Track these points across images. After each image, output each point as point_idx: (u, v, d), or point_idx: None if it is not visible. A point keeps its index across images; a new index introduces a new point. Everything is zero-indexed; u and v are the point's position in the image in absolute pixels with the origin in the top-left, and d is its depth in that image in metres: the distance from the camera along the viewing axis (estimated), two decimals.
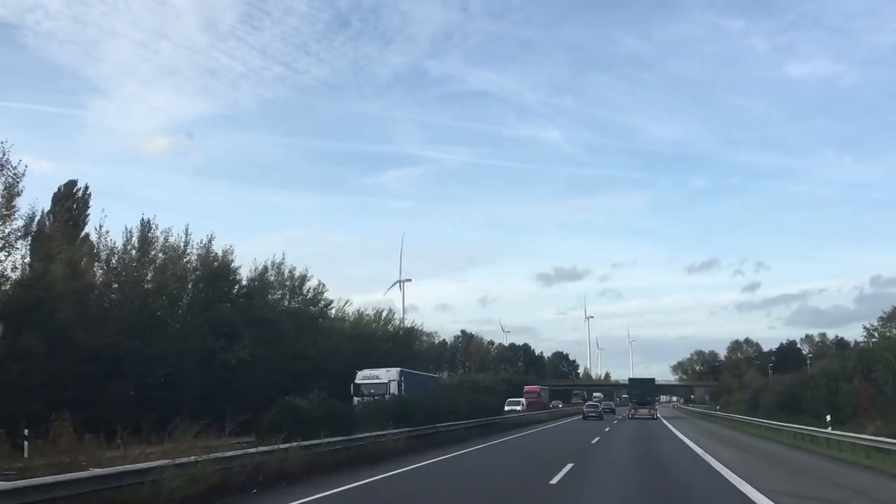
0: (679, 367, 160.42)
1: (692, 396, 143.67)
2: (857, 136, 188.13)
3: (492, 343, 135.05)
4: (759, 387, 59.98)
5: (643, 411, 60.93)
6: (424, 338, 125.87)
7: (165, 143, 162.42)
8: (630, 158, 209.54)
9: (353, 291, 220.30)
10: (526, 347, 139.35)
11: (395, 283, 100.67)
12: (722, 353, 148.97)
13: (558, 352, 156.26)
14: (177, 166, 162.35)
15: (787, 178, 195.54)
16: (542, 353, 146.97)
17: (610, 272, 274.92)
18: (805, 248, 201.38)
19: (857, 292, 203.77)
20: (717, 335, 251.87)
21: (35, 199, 28.98)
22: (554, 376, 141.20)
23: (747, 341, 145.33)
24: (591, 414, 61.03)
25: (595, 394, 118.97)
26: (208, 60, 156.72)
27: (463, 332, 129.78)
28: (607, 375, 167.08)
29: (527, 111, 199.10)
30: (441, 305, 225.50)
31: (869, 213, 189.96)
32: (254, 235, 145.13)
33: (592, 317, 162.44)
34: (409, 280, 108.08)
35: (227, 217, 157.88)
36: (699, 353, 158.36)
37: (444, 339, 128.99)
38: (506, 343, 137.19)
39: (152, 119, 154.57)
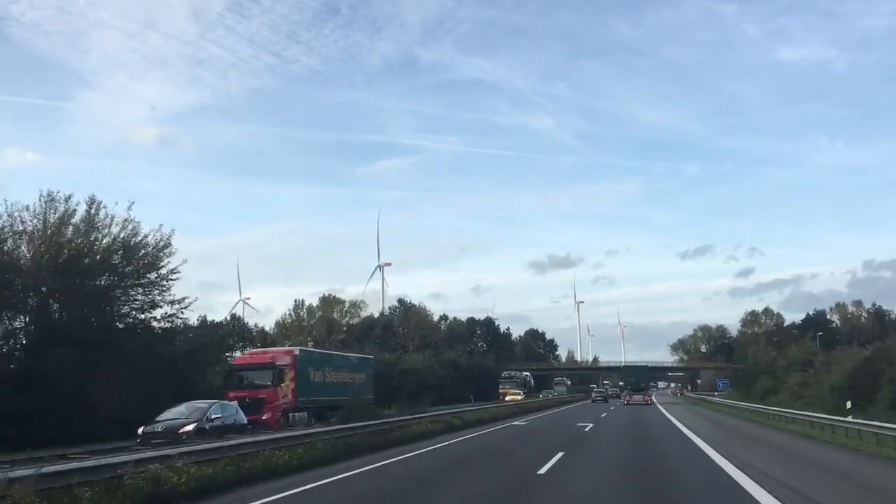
0: (680, 347, 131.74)
1: (698, 381, 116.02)
2: (850, 121, 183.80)
3: (444, 318, 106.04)
4: (862, 363, 30.73)
5: (637, 398, 62.48)
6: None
7: (154, 134, 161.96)
8: (623, 146, 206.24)
9: (346, 282, 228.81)
10: (488, 323, 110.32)
11: (376, 269, 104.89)
12: (733, 329, 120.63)
13: (532, 329, 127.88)
14: (166, 158, 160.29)
15: (780, 163, 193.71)
16: (507, 329, 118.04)
17: (603, 259, 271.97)
18: (798, 233, 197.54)
19: (849, 276, 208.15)
20: (711, 321, 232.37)
21: None
22: (526, 358, 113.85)
23: (766, 312, 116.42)
24: (598, 398, 72.76)
25: (557, 378, 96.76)
26: (197, 50, 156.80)
27: (401, 301, 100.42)
28: (595, 360, 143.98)
29: (519, 99, 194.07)
30: (434, 294, 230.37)
31: (861, 197, 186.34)
32: (246, 227, 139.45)
33: (583, 302, 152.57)
34: (389, 264, 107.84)
35: (218, 209, 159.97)
36: (705, 330, 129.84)
37: (381, 313, 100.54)
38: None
39: (141, 111, 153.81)
